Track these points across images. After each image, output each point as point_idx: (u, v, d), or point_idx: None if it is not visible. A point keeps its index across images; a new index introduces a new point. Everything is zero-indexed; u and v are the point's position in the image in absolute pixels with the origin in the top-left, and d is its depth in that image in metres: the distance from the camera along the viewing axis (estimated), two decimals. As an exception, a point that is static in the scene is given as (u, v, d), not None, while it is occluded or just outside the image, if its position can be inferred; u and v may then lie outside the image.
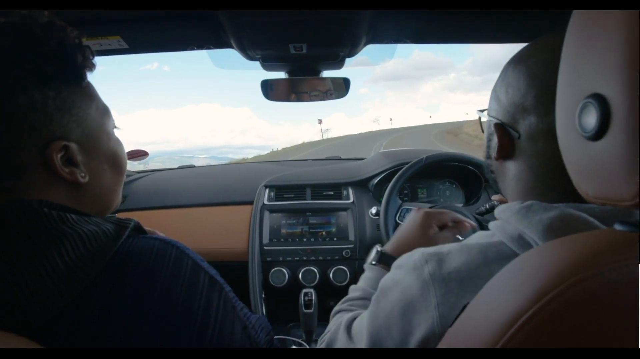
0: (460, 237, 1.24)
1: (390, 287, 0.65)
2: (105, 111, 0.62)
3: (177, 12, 0.95)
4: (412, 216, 0.99)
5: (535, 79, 0.58)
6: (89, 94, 0.59)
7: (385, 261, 0.93)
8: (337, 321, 0.82)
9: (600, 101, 0.33)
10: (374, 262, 0.94)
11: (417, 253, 0.63)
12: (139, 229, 0.58)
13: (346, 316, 0.77)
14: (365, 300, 0.87)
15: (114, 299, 0.49)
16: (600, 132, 0.33)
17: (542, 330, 0.32)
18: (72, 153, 0.55)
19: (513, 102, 0.61)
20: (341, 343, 0.73)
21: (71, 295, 0.47)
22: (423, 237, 0.94)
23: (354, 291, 0.92)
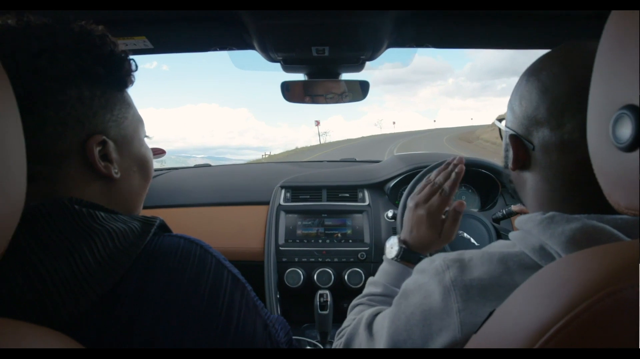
0: (466, 234, 1.31)
1: (413, 290, 0.65)
2: (140, 120, 0.67)
3: (203, 13, 0.97)
4: (418, 219, 0.93)
5: (546, 93, 0.58)
6: (128, 101, 0.64)
7: (408, 257, 0.91)
8: (356, 315, 0.82)
9: (636, 112, 0.33)
10: (396, 259, 0.92)
11: (439, 259, 0.63)
12: (163, 227, 0.60)
13: (367, 312, 0.77)
14: (386, 297, 0.87)
15: (141, 295, 0.50)
16: (635, 143, 0.33)
17: (574, 340, 0.32)
18: (108, 149, 0.59)
19: (527, 114, 0.61)
20: (361, 338, 0.73)
21: (102, 290, 0.48)
22: (438, 232, 0.91)
23: (374, 285, 0.91)
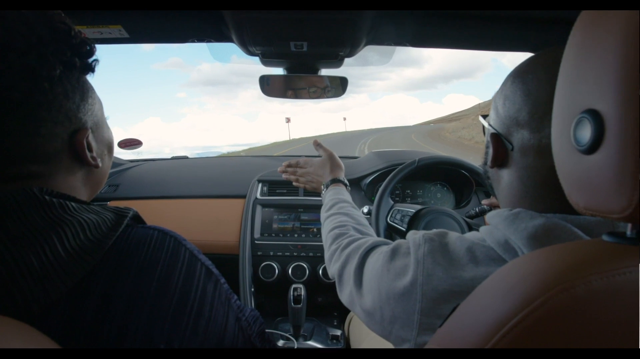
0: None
1: (400, 253, 0.69)
2: (100, 102, 0.66)
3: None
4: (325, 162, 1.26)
5: (530, 96, 0.60)
6: (90, 85, 0.62)
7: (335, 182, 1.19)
8: (340, 236, 0.92)
9: (595, 116, 0.34)
10: (325, 188, 1.19)
11: (420, 234, 0.68)
12: (137, 218, 0.59)
13: (365, 243, 0.81)
14: (346, 203, 1.08)
15: (113, 288, 0.50)
16: (593, 146, 0.35)
17: (529, 335, 0.33)
18: (90, 140, 0.59)
19: (509, 114, 0.63)
20: (349, 278, 0.79)
21: (71, 282, 0.48)
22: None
23: (333, 208, 1.08)
